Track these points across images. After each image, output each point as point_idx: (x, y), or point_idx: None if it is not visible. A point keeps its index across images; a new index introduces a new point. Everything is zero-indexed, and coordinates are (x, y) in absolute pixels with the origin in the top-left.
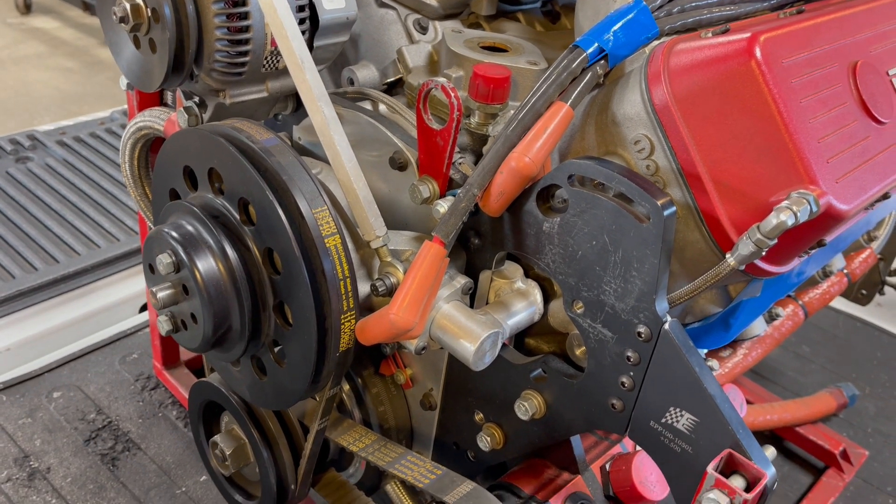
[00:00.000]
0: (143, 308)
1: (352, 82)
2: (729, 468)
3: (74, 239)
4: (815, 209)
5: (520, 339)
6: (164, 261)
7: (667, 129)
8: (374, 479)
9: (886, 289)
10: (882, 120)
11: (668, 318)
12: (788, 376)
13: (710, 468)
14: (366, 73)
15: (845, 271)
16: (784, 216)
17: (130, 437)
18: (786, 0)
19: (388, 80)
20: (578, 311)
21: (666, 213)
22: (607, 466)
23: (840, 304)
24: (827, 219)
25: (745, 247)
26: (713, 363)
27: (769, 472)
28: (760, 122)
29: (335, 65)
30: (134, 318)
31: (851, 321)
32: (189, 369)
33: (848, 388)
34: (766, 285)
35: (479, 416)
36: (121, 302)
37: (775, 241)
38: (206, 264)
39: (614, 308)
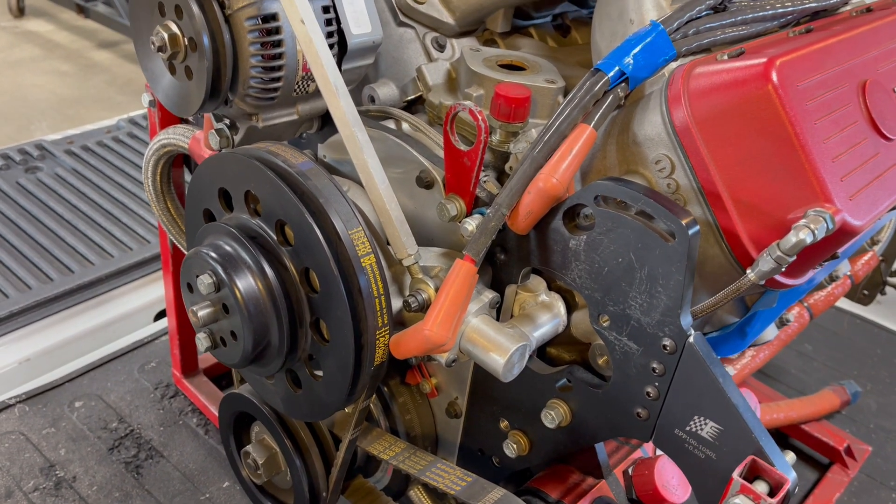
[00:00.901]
0: (159, 316)
1: (373, 100)
2: (752, 474)
3: (87, 248)
4: (831, 227)
5: (542, 348)
6: (204, 281)
7: (687, 149)
8: (401, 485)
9: (887, 288)
10: (890, 136)
11: (693, 332)
12: (792, 374)
13: (736, 474)
14: (386, 91)
15: (849, 274)
16: (803, 234)
17: (153, 445)
18: (794, 18)
19: (409, 98)
20: (605, 325)
21: (691, 231)
22: (630, 471)
23: (841, 302)
24: (842, 234)
25: (765, 263)
26: (729, 369)
27: (791, 478)
28: (778, 143)
29: (357, 83)
30: (151, 327)
31: (852, 319)
32: (208, 377)
33: (850, 385)
34: (780, 295)
35: (504, 424)
36: (136, 311)
37: (794, 258)
38: (245, 283)
39: (640, 322)
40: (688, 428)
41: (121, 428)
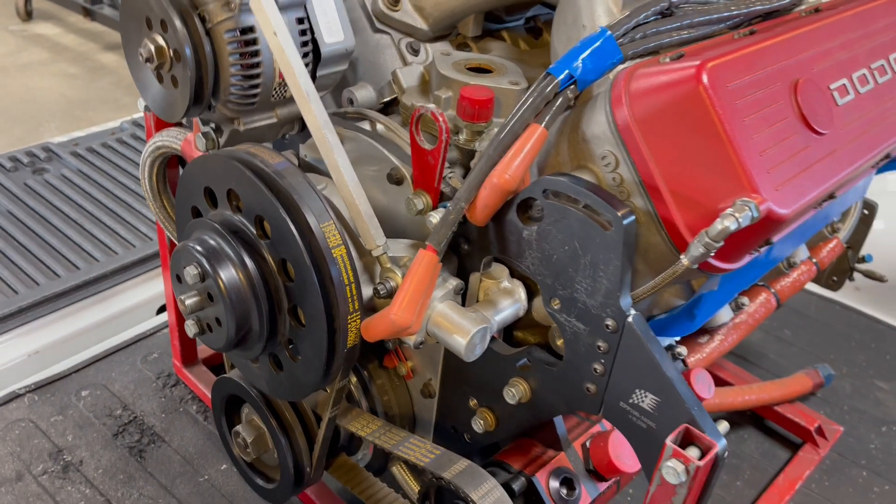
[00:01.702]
0: (161, 310)
1: (352, 102)
2: (686, 440)
3: (93, 246)
4: (756, 215)
5: (509, 331)
6: (190, 272)
7: (628, 146)
8: (381, 462)
9: (861, 275)
10: (821, 131)
11: (632, 312)
12: (770, 359)
13: (669, 440)
14: (364, 94)
15: (814, 260)
16: (728, 222)
17: (155, 431)
18: (741, 20)
19: (385, 100)
20: (556, 307)
21: (625, 221)
22: (587, 443)
23: (819, 289)
24: (769, 222)
25: (696, 249)
26: (682, 349)
27: (720, 443)
28: (708, 139)
29: (336, 86)
30: (153, 320)
31: (831, 305)
32: (206, 366)
33: (824, 368)
34: (728, 279)
35: (473, 402)
36: (139, 305)
37: (722, 243)
38: (227, 274)
39: (585, 304)
40: (631, 400)
41: (125, 415)
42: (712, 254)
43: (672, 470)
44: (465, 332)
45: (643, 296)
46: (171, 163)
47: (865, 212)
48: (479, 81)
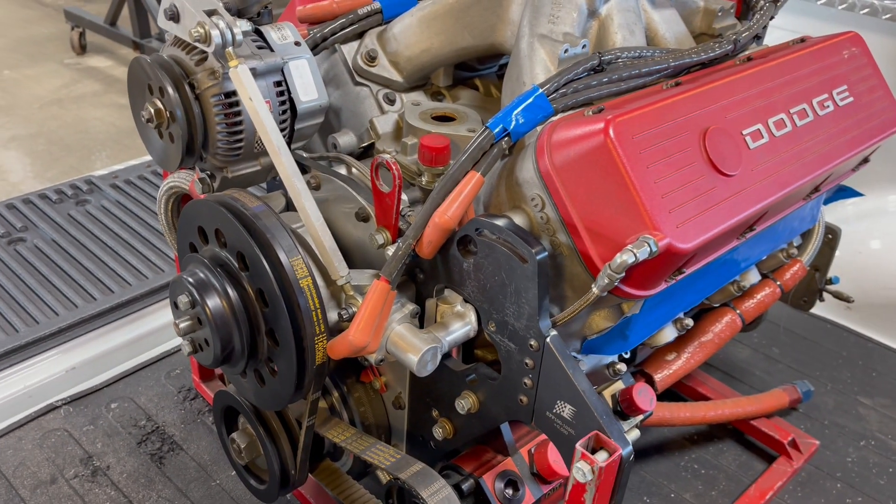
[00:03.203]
0: None
1: (335, 146)
2: (598, 445)
3: (126, 271)
4: (654, 249)
5: (469, 350)
6: (183, 300)
7: (550, 190)
8: (361, 468)
9: (830, 295)
10: (728, 173)
11: (551, 333)
12: (756, 376)
13: (579, 445)
14: (346, 140)
15: (777, 282)
16: (626, 256)
17: (174, 440)
18: (672, 72)
19: (364, 145)
20: (492, 329)
21: (538, 257)
22: (532, 450)
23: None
24: (671, 255)
25: (602, 279)
26: (622, 366)
27: (625, 448)
28: (615, 184)
29: (323, 131)
30: (176, 339)
31: (822, 323)
32: (222, 382)
33: (803, 384)
34: (655, 304)
35: (435, 413)
36: (165, 325)
37: (623, 274)
38: (213, 302)
39: (514, 326)
40: (554, 410)
41: (148, 425)
42: (616, 283)
43: (580, 470)
44: (417, 351)
45: (563, 320)
46: (183, 199)
47: (829, 236)
48: (440, 130)
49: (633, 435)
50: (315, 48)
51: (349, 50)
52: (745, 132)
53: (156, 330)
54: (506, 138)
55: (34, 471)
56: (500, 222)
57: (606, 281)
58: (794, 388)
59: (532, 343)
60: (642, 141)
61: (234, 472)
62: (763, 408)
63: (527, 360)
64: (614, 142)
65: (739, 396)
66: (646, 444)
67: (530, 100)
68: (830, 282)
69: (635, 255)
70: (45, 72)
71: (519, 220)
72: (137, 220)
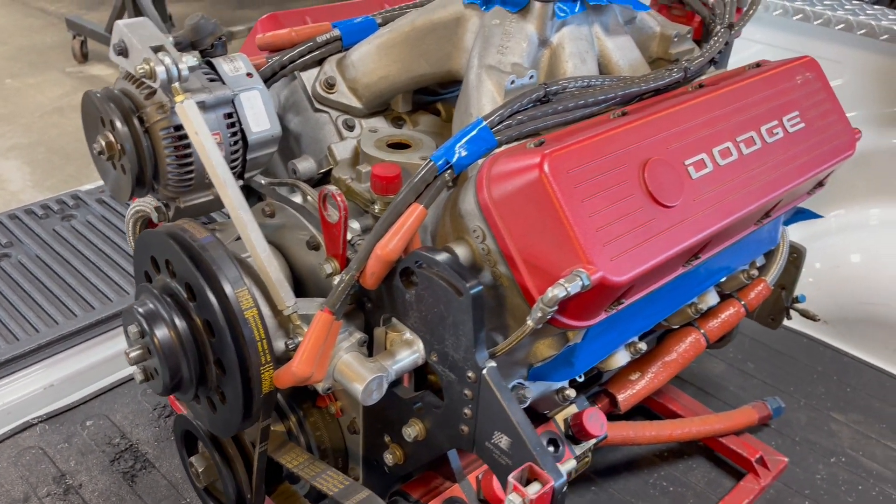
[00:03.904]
0: None
1: (295, 172)
2: (531, 477)
3: (108, 287)
4: (587, 283)
5: (423, 377)
6: (132, 330)
7: (490, 222)
8: (318, 491)
9: (798, 313)
10: (668, 204)
11: (488, 365)
12: (730, 391)
13: (511, 477)
14: (306, 165)
15: (742, 302)
16: (557, 290)
17: (147, 458)
18: (619, 101)
19: (322, 171)
20: (434, 360)
21: (472, 291)
22: (480, 476)
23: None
24: (605, 288)
25: (536, 312)
26: (571, 392)
27: (557, 480)
28: (550, 218)
29: (285, 156)
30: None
31: (798, 337)
32: None
33: (773, 401)
34: (600, 332)
35: (387, 438)
36: None
37: (555, 308)
38: (161, 333)
39: (453, 358)
40: (493, 440)
41: (122, 443)
42: (549, 316)
43: (512, 502)
44: (363, 380)
45: (501, 350)
46: (150, 223)
47: (794, 255)
48: (393, 158)
49: (569, 466)
50: (274, 76)
51: (308, 77)
52: (687, 162)
53: None
54: (449, 171)
55: (7, 489)
56: (438, 256)
57: (539, 314)
58: (765, 405)
59: (470, 374)
60: (578, 174)
61: None
62: (731, 425)
63: (465, 391)
64: (548, 176)
65: (709, 413)
66: (615, 461)
67: (474, 132)
68: (797, 300)
69: (566, 289)
70: (47, 80)
71: (462, 251)
72: (121, 235)
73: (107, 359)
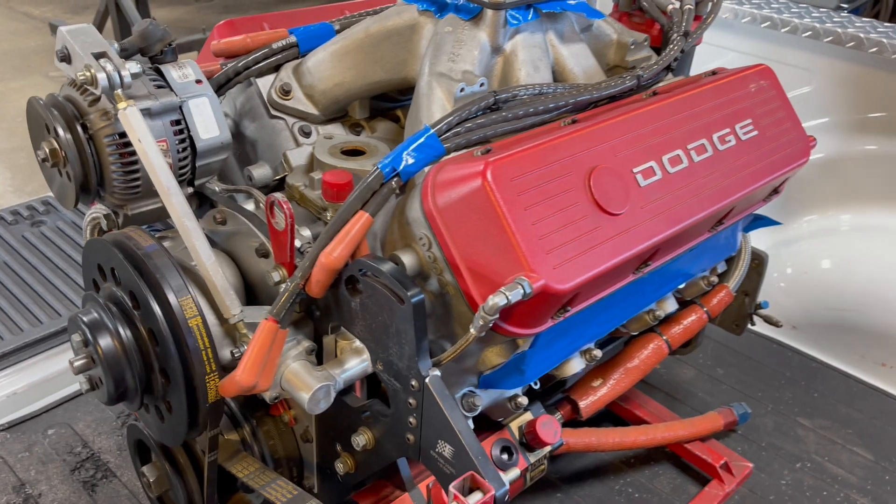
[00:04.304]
0: None
1: (251, 179)
2: (473, 486)
3: (74, 294)
4: (528, 291)
5: (376, 384)
6: (76, 339)
7: (434, 230)
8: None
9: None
10: (614, 212)
11: (431, 374)
12: (699, 397)
13: (452, 486)
14: (261, 172)
15: (705, 308)
16: (498, 298)
17: (108, 467)
18: (570, 108)
19: (278, 177)
20: (380, 368)
21: (414, 300)
22: (430, 485)
23: (757, 328)
24: (548, 296)
25: (478, 321)
26: (523, 399)
27: (498, 490)
28: (493, 226)
29: (241, 162)
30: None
31: (768, 343)
32: None
33: (739, 407)
34: (551, 339)
35: (339, 447)
36: None
37: (496, 316)
38: (105, 342)
39: (398, 366)
40: (437, 449)
41: (84, 452)
42: (492, 324)
43: None
44: (309, 389)
45: (447, 359)
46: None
47: (755, 262)
48: (345, 165)
49: (511, 475)
50: (228, 82)
51: (264, 83)
52: (636, 170)
53: None
54: (396, 178)
55: None
56: (381, 265)
57: (481, 322)
58: (731, 411)
59: (413, 383)
60: (523, 182)
61: None
62: (697, 431)
63: (410, 400)
64: (491, 185)
65: (675, 420)
66: (581, 468)
67: (421, 139)
68: (760, 306)
69: (507, 297)
70: (30, 84)
71: (409, 258)
72: None
73: None
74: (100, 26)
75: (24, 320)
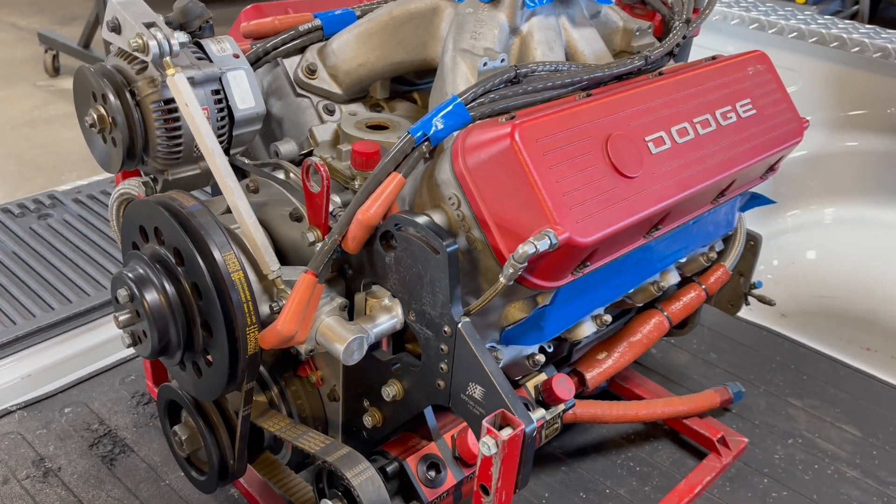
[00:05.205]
0: None
1: (277, 154)
2: (504, 422)
3: (84, 282)
4: (554, 242)
5: (401, 344)
6: (122, 294)
7: (465, 189)
8: (300, 459)
9: (755, 299)
10: (629, 175)
11: (463, 320)
12: (693, 379)
13: (485, 421)
14: (288, 147)
15: (703, 286)
16: (527, 247)
17: (126, 443)
18: (585, 84)
19: (303, 153)
20: (412, 319)
21: (449, 249)
22: (455, 435)
23: (748, 315)
24: (571, 248)
25: (507, 269)
26: (541, 357)
27: (528, 425)
28: (521, 183)
29: (267, 139)
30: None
31: (758, 330)
32: None
33: (734, 386)
34: (568, 298)
35: (366, 403)
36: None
37: (525, 264)
38: (151, 296)
39: (430, 315)
40: (467, 392)
41: (101, 429)
42: (520, 273)
43: (486, 444)
44: (343, 340)
45: (476, 308)
46: None
47: (751, 242)
48: (372, 137)
49: (539, 414)
50: (257, 61)
51: (291, 64)
52: (647, 139)
53: (112, 339)
54: (426, 143)
55: None
56: (416, 218)
57: (511, 270)
58: (726, 389)
59: (446, 329)
60: (547, 144)
61: (184, 474)
62: (695, 407)
63: (442, 346)
64: (519, 144)
65: (673, 396)
66: (584, 444)
67: (449, 108)
68: (754, 286)
69: (536, 246)
70: (18, 93)
71: (438, 217)
72: (97, 232)
73: (84, 350)
74: (88, 37)
75: (36, 306)
